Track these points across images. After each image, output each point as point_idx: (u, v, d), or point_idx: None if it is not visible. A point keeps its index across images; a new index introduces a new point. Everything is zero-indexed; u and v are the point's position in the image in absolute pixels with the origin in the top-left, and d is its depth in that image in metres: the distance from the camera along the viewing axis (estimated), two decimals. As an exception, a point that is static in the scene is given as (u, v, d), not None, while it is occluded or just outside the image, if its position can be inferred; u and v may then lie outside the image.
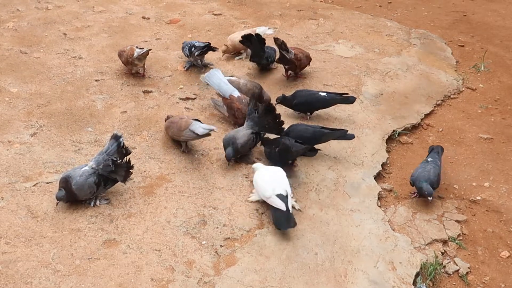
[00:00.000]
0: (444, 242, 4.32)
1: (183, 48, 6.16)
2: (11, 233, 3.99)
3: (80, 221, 4.14)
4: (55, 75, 5.85)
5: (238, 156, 4.81)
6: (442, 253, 4.22)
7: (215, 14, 7.47)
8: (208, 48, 5.99)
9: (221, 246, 4.06)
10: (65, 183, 4.14)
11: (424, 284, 3.98)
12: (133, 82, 5.81)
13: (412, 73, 6.45)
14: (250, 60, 6.07)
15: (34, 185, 4.42)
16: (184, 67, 6.14)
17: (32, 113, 5.25)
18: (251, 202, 4.44)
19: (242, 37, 5.93)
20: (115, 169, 4.23)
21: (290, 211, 4.16)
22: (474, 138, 5.55)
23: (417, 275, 4.00)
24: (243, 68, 6.25)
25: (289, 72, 6.08)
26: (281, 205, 4.18)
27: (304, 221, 4.32)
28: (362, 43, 7.00)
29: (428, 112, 5.84)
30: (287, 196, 4.22)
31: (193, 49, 6.01)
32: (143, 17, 7.21)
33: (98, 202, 4.28)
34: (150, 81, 5.89)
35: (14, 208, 4.19)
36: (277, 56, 5.97)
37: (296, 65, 5.96)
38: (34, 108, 5.32)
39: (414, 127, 5.64)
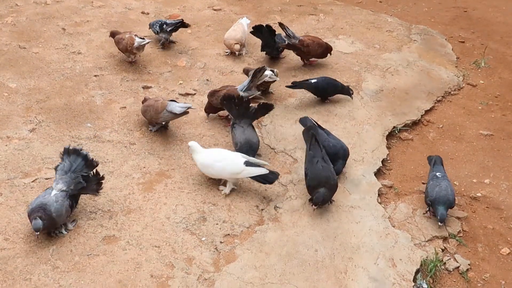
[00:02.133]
0: (444, 239, 4.31)
1: (152, 25, 6.34)
2: (10, 229, 3.97)
3: (80, 217, 4.12)
4: (54, 71, 5.82)
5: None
6: (443, 250, 4.21)
7: (214, 9, 7.43)
8: (181, 24, 6.31)
9: (221, 242, 4.04)
10: (43, 211, 3.78)
11: (424, 281, 3.97)
12: (132, 78, 5.78)
13: (412, 69, 6.42)
14: (262, 51, 6.22)
15: (33, 181, 4.40)
16: (159, 46, 6.35)
17: (31, 108, 5.23)
18: (228, 194, 4.45)
19: (253, 28, 6.11)
20: (86, 184, 4.05)
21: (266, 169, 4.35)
22: (475, 134, 5.54)
23: (417, 272, 3.99)
24: (243, 64, 6.21)
25: (304, 59, 6.24)
26: (259, 170, 4.31)
27: (304, 217, 4.30)
28: (362, 39, 6.98)
29: (429, 108, 5.82)
30: (252, 162, 4.37)
31: (164, 26, 6.27)
32: (143, 12, 7.17)
33: (70, 226, 4.03)
34: (149, 77, 5.87)
35: (13, 204, 4.17)
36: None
37: (303, 51, 6.04)
38: (33, 104, 5.29)
39: (415, 123, 5.62)
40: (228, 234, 4.12)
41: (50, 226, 3.85)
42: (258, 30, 6.09)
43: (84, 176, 4.03)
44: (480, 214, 4.58)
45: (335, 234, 4.19)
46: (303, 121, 4.99)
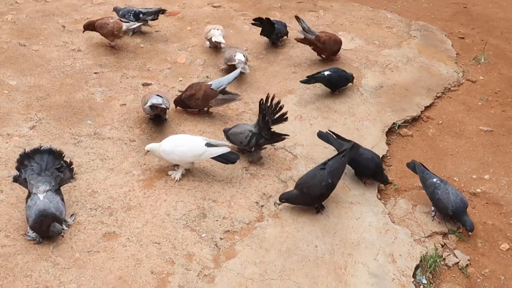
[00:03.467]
0: (444, 235, 4.32)
1: (123, 15, 6.41)
2: (10, 226, 3.98)
3: (80, 214, 4.13)
4: (54, 68, 5.82)
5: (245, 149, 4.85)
6: (442, 246, 4.22)
7: (214, 6, 7.43)
8: (161, 12, 6.54)
9: (221, 239, 4.05)
10: (54, 218, 3.79)
11: (424, 276, 3.98)
12: (132, 75, 5.79)
13: (412, 65, 6.42)
14: (261, 34, 6.41)
15: (34, 178, 4.40)
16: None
17: (31, 106, 5.24)
18: (179, 179, 4.51)
19: (253, 19, 6.35)
20: (64, 175, 4.08)
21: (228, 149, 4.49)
22: (474, 130, 5.54)
23: (417, 267, 4.00)
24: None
25: (321, 55, 6.34)
26: (221, 150, 4.44)
27: (304, 213, 4.31)
28: (362, 35, 6.98)
29: (428, 104, 5.83)
30: (213, 144, 4.50)
31: (141, 15, 6.42)
32: (142, 10, 7.17)
33: (70, 220, 4.04)
34: (149, 74, 5.87)
35: (13, 201, 4.18)
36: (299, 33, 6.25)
37: (319, 47, 6.13)
38: (33, 101, 5.30)
39: (414, 119, 5.62)
40: (228, 231, 4.13)
41: (60, 224, 3.88)
42: (258, 21, 6.31)
43: (58, 168, 4.05)
44: (479, 209, 4.59)
45: (335, 230, 4.20)
46: (322, 135, 4.85)
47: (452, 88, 6.17)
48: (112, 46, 6.17)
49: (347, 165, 4.53)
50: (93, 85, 5.61)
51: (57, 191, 3.99)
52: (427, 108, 5.79)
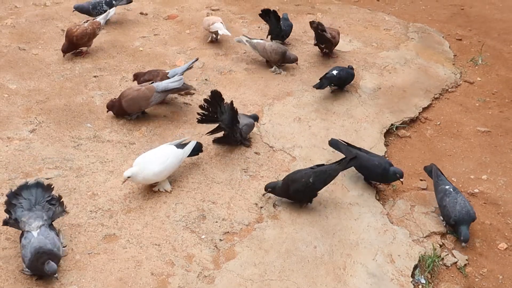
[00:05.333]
0: (442, 235, 4.34)
1: (94, 7, 6.46)
2: (11, 229, 3.98)
3: (80, 216, 4.16)
4: (53, 72, 5.85)
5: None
6: (440, 246, 4.24)
7: (213, 10, 7.47)
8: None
9: (220, 240, 4.08)
10: (47, 254, 3.56)
11: (422, 276, 4.00)
12: (131, 78, 5.80)
13: (410, 67, 6.46)
14: (267, 36, 6.56)
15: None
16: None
17: (31, 109, 5.26)
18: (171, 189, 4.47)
19: (261, 11, 6.48)
20: (56, 209, 3.86)
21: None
22: (472, 131, 5.57)
23: (415, 267, 4.02)
24: (241, 63, 6.26)
25: (325, 50, 6.43)
26: (191, 144, 4.56)
27: (303, 215, 4.34)
28: (360, 38, 7.01)
29: (426, 105, 5.86)
30: (178, 143, 4.54)
31: (114, 1, 6.52)
32: (141, 13, 7.20)
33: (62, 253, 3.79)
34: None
35: (14, 204, 4.20)
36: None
37: (332, 43, 6.29)
38: (33, 105, 5.32)
39: (412, 120, 5.65)
40: (228, 232, 4.15)
41: (57, 262, 3.64)
42: (266, 14, 6.43)
43: (49, 201, 3.85)
44: (477, 209, 4.60)
45: (334, 231, 4.23)
46: (333, 143, 4.86)
47: (449, 90, 6.20)
48: (86, 52, 6.13)
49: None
50: (92, 89, 5.63)
51: (51, 226, 3.77)
52: (425, 109, 5.82)
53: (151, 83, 5.16)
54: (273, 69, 6.11)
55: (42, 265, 3.54)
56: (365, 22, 7.45)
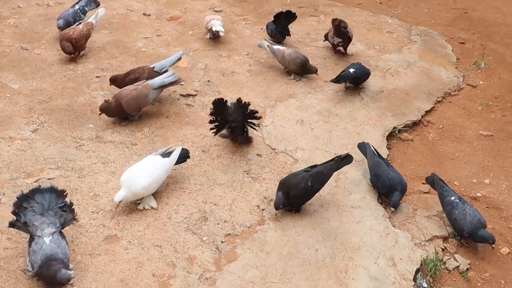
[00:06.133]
0: (445, 239, 4.33)
1: (75, 18, 6.39)
2: (12, 229, 3.97)
3: (82, 217, 4.15)
4: (56, 72, 5.85)
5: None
6: (443, 250, 4.23)
7: (215, 11, 7.46)
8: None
9: (222, 242, 4.07)
10: (61, 263, 3.52)
11: (424, 280, 3.99)
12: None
13: (412, 70, 6.45)
14: (274, 36, 6.58)
15: (36, 181, 4.42)
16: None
17: (33, 109, 5.26)
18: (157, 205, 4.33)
19: (274, 17, 6.55)
20: (67, 216, 3.77)
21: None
22: (475, 135, 5.56)
23: (417, 271, 4.01)
24: (244, 65, 6.25)
25: (338, 48, 6.55)
26: (177, 151, 4.46)
27: (305, 217, 4.33)
28: (362, 40, 7.00)
29: (429, 109, 5.85)
30: (164, 152, 4.47)
31: (86, 8, 6.55)
32: (144, 14, 7.21)
33: (71, 265, 3.69)
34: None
35: (15, 204, 4.19)
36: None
37: (351, 41, 6.45)
38: (35, 105, 5.32)
39: (415, 124, 5.64)
40: (229, 234, 4.14)
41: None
42: (277, 17, 6.51)
43: (61, 207, 3.76)
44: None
45: (336, 234, 4.22)
46: (361, 146, 4.89)
47: (452, 93, 6.19)
48: (77, 56, 6.10)
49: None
50: (95, 89, 5.63)
51: (61, 234, 3.69)
52: (427, 112, 5.81)
53: (145, 81, 5.17)
54: (292, 77, 6.03)
55: (53, 273, 3.47)
56: (368, 25, 7.44)
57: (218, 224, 4.20)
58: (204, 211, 4.31)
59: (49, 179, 4.46)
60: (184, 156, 4.56)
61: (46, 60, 6.01)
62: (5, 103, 5.29)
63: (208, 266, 3.88)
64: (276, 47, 6.04)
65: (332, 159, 4.45)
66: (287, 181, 4.31)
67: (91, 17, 6.16)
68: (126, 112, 5.08)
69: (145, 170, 4.24)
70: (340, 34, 6.33)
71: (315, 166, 4.43)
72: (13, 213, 3.70)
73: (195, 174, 4.65)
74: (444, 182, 4.50)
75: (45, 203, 3.73)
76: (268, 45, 6.07)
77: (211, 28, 6.44)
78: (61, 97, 5.46)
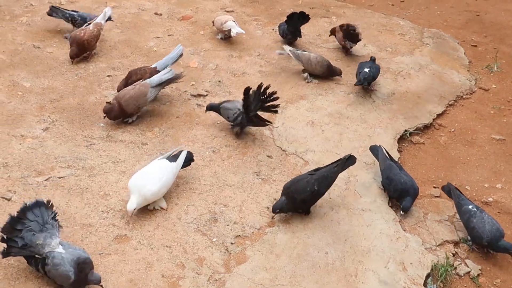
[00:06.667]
0: (456, 244, 4.31)
1: (84, 19, 6.33)
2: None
3: (92, 216, 4.16)
4: (67, 70, 5.86)
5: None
6: (453, 255, 4.20)
7: (227, 11, 7.45)
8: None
9: (231, 243, 4.06)
10: (90, 263, 3.56)
11: (434, 285, 3.97)
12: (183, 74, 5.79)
13: (424, 72, 6.41)
14: (285, 36, 6.61)
15: (46, 180, 4.43)
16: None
17: (45, 107, 5.27)
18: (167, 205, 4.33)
19: (287, 17, 6.54)
20: (58, 223, 3.72)
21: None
22: (487, 139, 5.52)
23: (427, 276, 3.99)
24: (255, 66, 6.24)
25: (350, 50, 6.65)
26: (183, 155, 4.43)
27: (315, 220, 4.31)
28: (374, 42, 6.97)
29: (440, 112, 5.81)
30: (170, 156, 4.44)
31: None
32: (156, 13, 7.20)
33: None
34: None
35: (26, 202, 4.20)
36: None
37: (360, 39, 6.49)
38: (46, 103, 5.33)
39: (426, 127, 5.61)
40: (239, 235, 4.13)
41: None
42: (290, 18, 6.48)
43: (53, 217, 3.66)
44: (491, 219, 4.57)
45: (346, 237, 4.20)
46: (373, 149, 4.88)
47: (464, 96, 6.15)
48: (92, 55, 6.11)
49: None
50: (106, 88, 5.64)
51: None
52: (439, 115, 5.78)
53: (143, 80, 5.17)
54: (305, 75, 6.04)
55: (85, 276, 3.48)
56: (379, 27, 7.41)
57: (228, 225, 4.20)
58: (214, 212, 4.30)
59: (59, 177, 4.47)
60: (189, 159, 4.54)
61: (58, 59, 6.03)
62: (17, 101, 5.31)
63: (217, 267, 3.88)
64: (299, 52, 6.03)
65: (336, 161, 4.42)
66: (292, 185, 4.29)
67: (99, 17, 6.14)
68: (126, 111, 5.04)
69: (154, 175, 4.22)
70: (351, 37, 6.37)
71: (318, 169, 4.40)
72: (4, 240, 3.50)
73: (205, 175, 4.64)
74: (460, 191, 4.44)
75: (38, 219, 3.56)
76: (291, 50, 6.04)
77: (229, 29, 6.42)
78: (72, 95, 5.47)
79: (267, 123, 5.08)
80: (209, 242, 4.05)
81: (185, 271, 3.82)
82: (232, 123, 5.07)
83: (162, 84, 5.24)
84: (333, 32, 6.63)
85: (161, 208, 4.30)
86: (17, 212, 3.55)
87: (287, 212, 4.31)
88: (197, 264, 3.88)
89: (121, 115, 5.07)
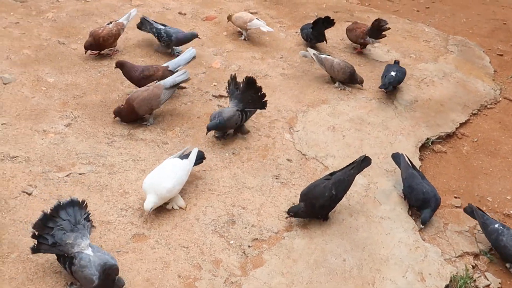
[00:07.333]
0: (476, 256, 4.24)
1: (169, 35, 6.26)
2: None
3: (111, 214, 4.17)
4: (91, 67, 5.90)
5: (225, 132, 5.03)
6: (473, 267, 4.14)
7: (251, 13, 7.42)
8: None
9: (249, 246, 4.05)
10: (117, 269, 3.54)
11: (453, 297, 3.91)
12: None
13: (448, 80, 6.34)
14: (306, 38, 6.61)
15: (67, 176, 4.46)
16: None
17: (68, 103, 5.31)
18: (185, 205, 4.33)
19: (313, 23, 6.54)
20: (90, 224, 3.69)
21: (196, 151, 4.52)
22: (510, 150, 5.44)
23: (446, 287, 3.93)
24: (277, 68, 6.22)
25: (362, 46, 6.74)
26: (194, 152, 4.45)
27: (333, 226, 4.28)
28: (398, 48, 6.91)
29: (464, 121, 5.75)
30: (181, 154, 4.46)
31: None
32: (180, 13, 7.22)
33: None
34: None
35: (46, 197, 4.23)
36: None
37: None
38: (69, 99, 5.37)
39: (449, 136, 5.55)
40: (257, 239, 4.12)
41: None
42: (316, 23, 6.49)
43: (86, 218, 3.64)
44: (513, 232, 4.49)
45: (364, 245, 4.16)
46: (395, 157, 4.83)
47: (488, 106, 6.08)
48: (114, 53, 6.14)
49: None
50: (128, 86, 5.65)
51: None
52: (462, 125, 5.71)
53: (157, 82, 5.16)
54: (336, 84, 5.98)
55: (112, 282, 3.47)
56: (404, 32, 7.34)
57: (245, 228, 4.18)
58: (232, 214, 4.29)
59: (80, 173, 4.49)
60: (200, 157, 4.55)
61: (82, 55, 6.07)
62: (40, 96, 5.36)
63: (234, 270, 3.86)
64: (323, 56, 5.98)
65: (351, 164, 4.38)
66: (310, 192, 4.25)
67: (123, 17, 6.17)
68: (138, 113, 5.03)
69: (168, 173, 4.24)
70: (376, 33, 6.37)
71: (334, 173, 4.37)
72: (35, 236, 3.51)
73: (224, 177, 4.64)
74: (483, 211, 4.35)
75: (71, 218, 3.55)
76: (314, 54, 6.00)
77: (258, 28, 6.49)
78: (95, 92, 5.51)
79: (264, 101, 5.09)
80: (226, 244, 4.04)
81: (202, 272, 3.82)
82: (239, 124, 5.02)
83: (176, 86, 5.23)
84: (352, 30, 6.60)
85: (180, 207, 4.30)
86: (50, 209, 3.53)
87: (302, 217, 4.28)
88: (214, 266, 3.88)
89: (132, 116, 5.06)
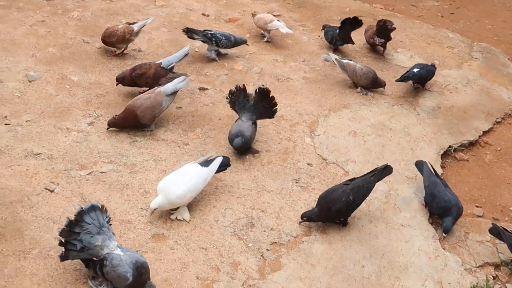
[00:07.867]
0: (496, 266, 4.19)
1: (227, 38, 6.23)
2: (64, 219, 4.04)
3: (131, 213, 4.20)
4: (114, 66, 5.95)
5: (247, 147, 4.88)
6: (494, 278, 4.09)
7: (274, 15, 7.42)
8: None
9: (267, 250, 4.04)
10: (148, 268, 3.55)
11: (473, 308, 3.87)
12: (190, 78, 5.83)
13: (472, 87, 6.27)
14: (330, 40, 6.58)
15: (89, 174, 4.51)
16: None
17: (91, 102, 5.36)
18: (190, 218, 4.24)
19: (341, 23, 6.52)
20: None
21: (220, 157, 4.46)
22: (534, 160, 5.37)
23: (466, 298, 3.89)
24: (300, 72, 6.22)
25: (377, 47, 6.76)
26: (217, 161, 4.38)
27: (353, 232, 4.26)
28: (421, 54, 6.86)
29: (487, 129, 5.68)
30: (203, 161, 4.37)
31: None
32: (203, 14, 7.25)
33: None
34: (206, 79, 5.93)
35: (68, 195, 4.28)
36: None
37: (389, 40, 6.62)
38: (92, 98, 5.42)
39: (471, 144, 5.49)
40: (275, 242, 4.11)
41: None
42: (344, 23, 6.46)
43: (108, 221, 3.67)
44: (535, 243, 4.43)
45: (383, 252, 4.13)
46: (419, 165, 4.80)
47: (512, 114, 6.01)
48: (118, 55, 6.14)
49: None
50: (150, 86, 5.70)
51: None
52: (485, 133, 5.65)
53: (157, 88, 5.09)
54: (358, 89, 5.94)
55: (143, 281, 3.49)
56: (428, 38, 7.28)
57: (264, 231, 4.18)
58: (251, 217, 4.29)
59: (101, 172, 4.54)
60: (225, 164, 4.49)
61: (106, 55, 6.12)
62: (64, 94, 5.42)
63: (252, 273, 3.86)
64: (345, 61, 5.92)
65: (372, 171, 4.35)
66: (327, 195, 4.24)
67: (139, 23, 6.12)
68: (141, 122, 4.99)
69: (182, 179, 4.19)
70: (383, 33, 6.39)
71: (354, 179, 4.34)
72: (62, 244, 3.53)
73: (244, 179, 4.64)
74: (509, 231, 4.24)
75: (95, 221, 3.57)
76: (336, 59, 5.95)
77: (277, 29, 6.52)
78: (117, 92, 5.55)
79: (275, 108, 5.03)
80: (245, 247, 4.05)
81: (220, 274, 3.83)
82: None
83: (176, 92, 5.19)
84: (367, 31, 6.66)
85: (184, 219, 4.22)
86: (74, 215, 3.56)
87: (316, 221, 4.27)
88: (232, 268, 3.88)
89: (133, 124, 5.00)
